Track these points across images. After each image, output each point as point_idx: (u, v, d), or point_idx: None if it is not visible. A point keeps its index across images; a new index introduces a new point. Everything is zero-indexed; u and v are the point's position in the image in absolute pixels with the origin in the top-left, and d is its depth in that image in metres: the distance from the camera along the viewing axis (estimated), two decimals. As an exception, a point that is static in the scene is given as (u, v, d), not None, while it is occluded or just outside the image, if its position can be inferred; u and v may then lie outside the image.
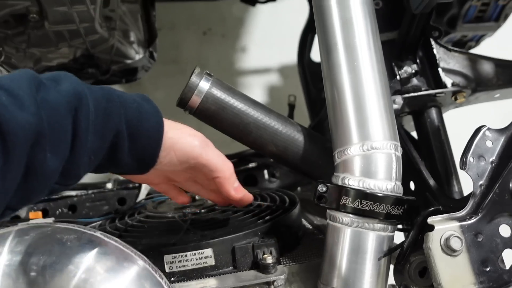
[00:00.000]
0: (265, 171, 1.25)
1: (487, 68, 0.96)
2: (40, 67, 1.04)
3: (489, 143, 0.63)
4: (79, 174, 0.57)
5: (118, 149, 0.60)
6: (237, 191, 0.73)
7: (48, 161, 0.51)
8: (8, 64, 1.05)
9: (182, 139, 0.66)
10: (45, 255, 0.52)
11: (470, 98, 0.97)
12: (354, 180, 0.64)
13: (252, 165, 1.23)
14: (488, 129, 0.64)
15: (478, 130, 0.64)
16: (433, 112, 0.93)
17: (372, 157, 0.65)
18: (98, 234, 0.57)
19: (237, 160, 1.24)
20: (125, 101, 0.60)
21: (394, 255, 0.66)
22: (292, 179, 1.25)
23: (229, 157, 1.26)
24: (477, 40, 1.47)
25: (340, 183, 0.65)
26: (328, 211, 0.67)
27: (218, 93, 0.71)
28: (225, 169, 0.71)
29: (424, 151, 0.93)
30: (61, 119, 0.52)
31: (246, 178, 1.24)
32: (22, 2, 0.88)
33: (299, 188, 1.29)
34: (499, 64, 0.96)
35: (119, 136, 0.59)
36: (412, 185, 0.82)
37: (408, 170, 0.81)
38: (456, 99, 0.91)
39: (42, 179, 0.52)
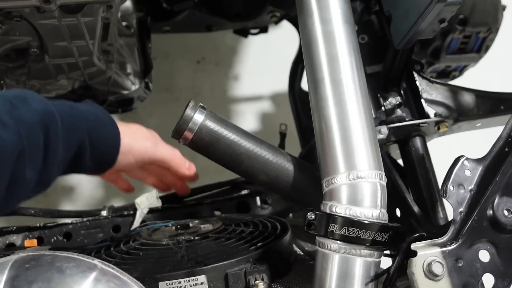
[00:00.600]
0: (257, 198, 1.27)
1: (467, 99, 1.00)
2: (39, 98, 1.07)
3: (467, 172, 0.67)
4: (50, 181, 0.68)
5: (81, 157, 0.71)
6: (190, 169, 0.90)
7: (27, 173, 0.60)
8: (7, 95, 1.09)
9: (137, 143, 0.80)
10: (45, 282, 0.54)
11: (453, 127, 1.01)
12: (341, 208, 0.68)
13: (244, 192, 1.26)
14: (467, 159, 0.68)
15: (457, 160, 0.68)
16: (418, 141, 0.97)
17: (358, 186, 0.68)
18: (96, 261, 0.60)
19: (230, 187, 1.27)
20: (84, 114, 0.71)
21: (381, 280, 0.68)
22: (284, 206, 1.27)
23: (222, 184, 1.29)
24: (461, 70, 1.53)
25: (328, 211, 0.68)
26: (317, 238, 0.70)
27: (212, 125, 0.75)
28: (176, 157, 0.87)
29: (410, 178, 0.96)
30: (36, 136, 0.60)
31: (239, 205, 1.26)
32: (24, 38, 0.92)
33: (291, 215, 1.31)
34: (479, 95, 1.01)
35: (82, 146, 0.70)
36: (398, 212, 0.85)
37: (394, 198, 0.85)
38: (439, 128, 0.96)
39: (21, 190, 0.61)
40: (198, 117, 0.75)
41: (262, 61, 2.27)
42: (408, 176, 0.96)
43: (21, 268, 0.56)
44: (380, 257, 0.69)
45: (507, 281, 0.61)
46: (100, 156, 0.75)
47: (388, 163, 0.85)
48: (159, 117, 2.19)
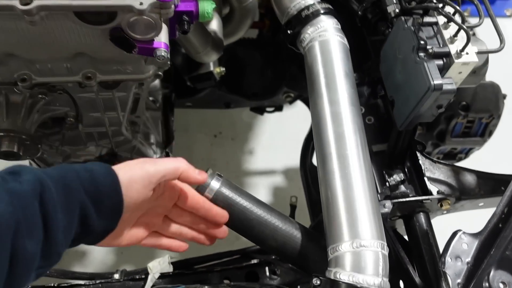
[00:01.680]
0: (267, 268, 1.30)
1: (469, 179, 1.06)
2: (68, 162, 1.16)
3: (464, 246, 0.71)
4: (58, 252, 0.63)
5: (87, 216, 0.66)
6: (201, 173, 0.78)
7: (27, 246, 0.57)
8: (40, 159, 1.18)
9: (135, 169, 0.72)
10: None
11: (456, 205, 1.06)
12: (345, 274, 0.72)
13: (254, 261, 1.28)
14: (463, 233, 0.72)
15: (454, 234, 0.73)
16: (422, 217, 1.01)
17: (361, 254, 0.73)
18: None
19: (240, 256, 1.30)
20: (77, 172, 0.66)
21: None
22: (293, 277, 1.29)
23: (232, 253, 1.32)
24: (466, 153, 1.60)
25: (332, 277, 0.72)
26: (323, 304, 0.73)
27: (227, 191, 0.82)
28: (180, 163, 0.76)
29: (415, 252, 0.99)
30: (30, 205, 0.58)
31: (248, 274, 1.29)
32: (63, 108, 1.02)
33: (299, 287, 1.32)
34: (480, 176, 1.07)
35: (83, 204, 0.65)
36: (401, 284, 0.88)
37: (397, 270, 0.88)
38: (441, 205, 1.00)
39: (24, 265, 0.57)
40: (215, 184, 0.82)
41: (276, 138, 2.37)
42: (413, 251, 0.99)
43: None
44: (381, 325, 0.71)
45: None
46: (106, 210, 0.68)
47: (391, 236, 0.89)
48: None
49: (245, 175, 2.35)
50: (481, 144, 1.53)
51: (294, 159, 1.87)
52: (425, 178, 1.02)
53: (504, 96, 1.45)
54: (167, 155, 1.31)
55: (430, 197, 0.99)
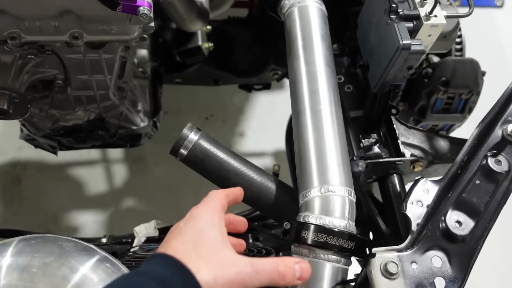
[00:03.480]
0: (250, 235, 1.35)
1: (442, 145, 1.10)
2: (57, 126, 1.20)
3: (426, 191, 0.76)
4: None
5: None
6: (302, 277, 0.65)
7: None
8: (30, 123, 1.22)
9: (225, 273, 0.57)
10: (46, 254, 0.63)
11: (429, 169, 1.11)
12: (313, 217, 0.76)
13: (237, 228, 1.33)
14: (426, 180, 0.77)
15: (417, 181, 0.77)
16: (395, 178, 1.06)
17: (328, 198, 0.77)
18: (92, 245, 0.68)
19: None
20: None
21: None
22: (275, 244, 1.34)
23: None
24: (447, 129, 1.64)
25: (301, 220, 0.77)
26: (292, 246, 0.77)
27: (205, 144, 0.86)
28: (280, 272, 0.63)
29: (388, 213, 1.04)
30: None
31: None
32: (52, 71, 1.06)
33: (281, 254, 1.37)
34: (453, 141, 1.11)
35: None
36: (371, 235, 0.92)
37: (368, 223, 0.93)
38: (414, 167, 1.05)
39: None
40: (193, 136, 0.86)
41: (267, 120, 2.41)
42: (386, 211, 1.04)
43: (27, 243, 0.65)
44: (347, 264, 0.76)
45: (457, 285, 0.67)
46: None
47: (363, 191, 0.94)
48: (165, 166, 2.31)
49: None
50: (461, 121, 1.57)
51: (284, 142, 1.91)
52: (399, 142, 1.06)
53: (483, 73, 1.50)
54: (155, 124, 1.35)
55: (402, 158, 1.03)
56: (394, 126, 1.08)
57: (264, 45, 1.65)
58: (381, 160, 1.02)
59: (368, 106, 1.06)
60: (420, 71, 1.49)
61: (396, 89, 1.53)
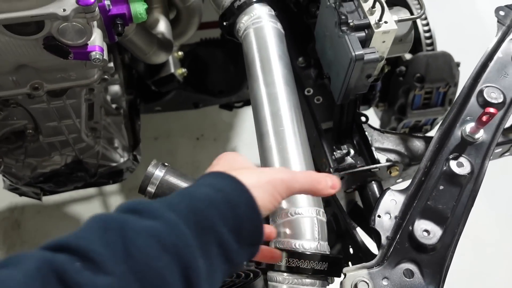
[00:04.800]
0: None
1: (417, 145, 1.10)
2: (36, 174, 1.21)
3: (393, 202, 0.75)
4: None
5: (228, 253, 0.54)
6: (334, 186, 0.66)
7: None
8: (9, 174, 1.23)
9: (266, 192, 0.60)
10: None
11: (408, 171, 1.09)
12: (284, 242, 0.75)
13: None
14: (392, 190, 0.76)
15: (384, 192, 0.76)
16: (374, 185, 1.05)
17: (297, 221, 0.76)
18: None
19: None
20: (210, 197, 0.54)
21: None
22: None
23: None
24: (431, 124, 1.63)
25: (273, 246, 0.76)
26: (267, 273, 0.77)
27: (171, 178, 0.86)
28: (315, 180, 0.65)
29: (368, 220, 1.03)
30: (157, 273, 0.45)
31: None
32: (21, 121, 1.07)
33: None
34: (428, 140, 1.10)
35: (223, 243, 0.53)
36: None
37: (347, 236, 0.92)
38: (390, 172, 1.04)
39: None
40: (159, 173, 0.86)
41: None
42: (367, 218, 1.03)
43: None
44: (324, 286, 0.75)
45: (430, 295, 0.66)
46: (246, 233, 0.55)
47: (338, 206, 0.93)
48: (162, 193, 2.32)
49: (230, 173, 2.39)
50: (442, 114, 1.56)
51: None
52: (373, 148, 1.06)
53: (458, 64, 1.49)
54: (135, 158, 1.35)
55: (376, 165, 1.02)
56: (366, 133, 1.07)
57: (238, 63, 1.66)
58: (355, 170, 1.01)
59: (337, 117, 1.06)
60: (394, 70, 1.48)
61: (373, 91, 1.52)
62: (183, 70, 1.53)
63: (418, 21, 1.52)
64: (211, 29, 1.73)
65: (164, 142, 2.45)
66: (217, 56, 1.68)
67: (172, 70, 1.49)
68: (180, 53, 1.55)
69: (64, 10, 0.77)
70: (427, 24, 1.50)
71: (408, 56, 1.48)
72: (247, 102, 1.82)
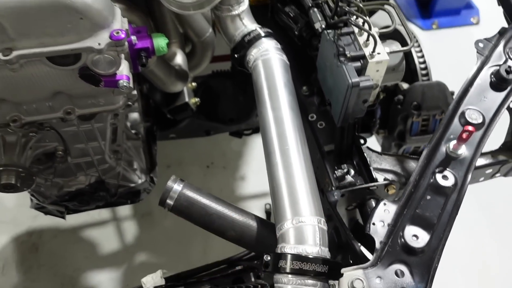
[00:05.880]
0: (251, 273, 1.41)
1: (413, 166, 1.19)
2: (62, 193, 1.31)
3: (386, 212, 0.84)
4: None
5: None
6: None
7: None
8: (37, 192, 1.34)
9: None
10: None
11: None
12: (288, 247, 0.84)
13: (238, 268, 1.40)
14: (385, 201, 0.85)
15: (378, 203, 0.86)
16: (373, 203, 1.13)
17: (301, 228, 0.85)
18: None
19: (227, 265, 1.42)
20: None
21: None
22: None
23: (219, 263, 1.45)
24: (430, 150, 1.72)
25: (279, 251, 0.85)
26: (273, 276, 0.85)
27: (188, 192, 0.96)
28: None
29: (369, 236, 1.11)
30: None
31: (235, 281, 1.40)
32: (52, 143, 1.19)
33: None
34: (423, 161, 1.19)
35: None
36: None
37: (346, 248, 1.01)
38: (388, 190, 1.13)
39: None
40: (177, 187, 0.96)
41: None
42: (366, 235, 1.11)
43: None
44: (324, 287, 0.83)
45: (419, 292, 0.74)
46: None
47: (339, 219, 1.02)
48: (173, 219, 2.38)
49: (238, 200, 2.47)
50: (440, 140, 1.65)
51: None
52: (371, 168, 1.15)
53: (452, 93, 1.59)
54: (152, 180, 1.45)
55: (375, 184, 1.12)
56: (365, 154, 1.17)
57: (247, 93, 1.78)
58: (355, 187, 1.11)
59: (338, 139, 1.16)
60: (393, 98, 1.59)
61: (373, 118, 1.63)
62: (196, 99, 1.65)
63: (414, 54, 1.65)
64: (222, 62, 1.87)
65: (176, 170, 2.55)
66: (227, 87, 1.81)
67: (187, 100, 1.62)
68: (194, 84, 1.68)
69: (99, 44, 0.89)
70: (422, 56, 1.62)
71: (405, 85, 1.59)
72: (255, 130, 1.93)
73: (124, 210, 2.43)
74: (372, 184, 1.12)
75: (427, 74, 1.59)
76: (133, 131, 1.47)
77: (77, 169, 1.28)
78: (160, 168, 2.48)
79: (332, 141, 1.23)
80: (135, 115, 1.46)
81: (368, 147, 1.19)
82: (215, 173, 2.56)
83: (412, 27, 3.39)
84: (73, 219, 2.33)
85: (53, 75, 0.95)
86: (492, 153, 1.17)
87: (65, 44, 0.88)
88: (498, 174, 1.22)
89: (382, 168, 1.18)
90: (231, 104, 1.81)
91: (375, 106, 1.12)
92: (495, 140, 1.23)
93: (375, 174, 1.14)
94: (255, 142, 2.60)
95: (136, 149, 1.40)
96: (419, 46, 1.64)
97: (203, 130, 1.84)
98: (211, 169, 2.56)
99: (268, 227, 0.97)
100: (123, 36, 0.90)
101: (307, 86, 1.30)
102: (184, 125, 1.76)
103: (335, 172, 1.13)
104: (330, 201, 1.06)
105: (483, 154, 1.17)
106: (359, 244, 0.94)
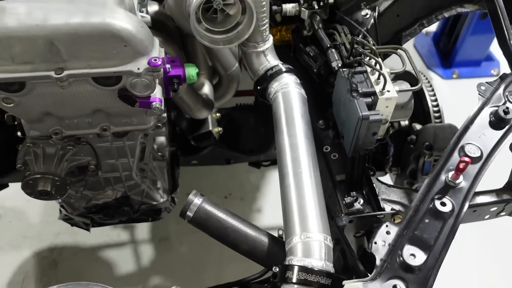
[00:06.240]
0: (264, 294, 1.46)
1: (420, 199, 1.25)
2: (90, 205, 1.42)
3: (388, 233, 0.91)
4: None
5: None
6: None
7: None
8: (67, 203, 1.44)
9: None
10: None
11: (411, 222, 1.24)
12: (296, 260, 0.91)
13: (249, 289, 1.46)
14: (387, 224, 0.92)
15: (381, 224, 0.93)
16: (380, 231, 1.20)
17: (308, 243, 0.93)
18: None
19: (238, 286, 1.48)
20: None
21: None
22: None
23: (231, 284, 1.51)
24: (441, 190, 1.77)
25: (287, 263, 0.92)
26: (281, 286, 0.92)
27: (207, 206, 1.05)
28: None
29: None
30: None
31: (245, 302, 1.45)
32: (86, 158, 1.30)
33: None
34: (429, 195, 1.26)
35: None
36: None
37: (352, 271, 1.07)
38: (394, 220, 1.19)
39: None
40: (197, 201, 1.05)
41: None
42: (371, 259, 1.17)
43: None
44: (327, 300, 0.89)
45: (414, 307, 0.80)
46: None
47: (346, 242, 1.08)
48: (189, 245, 2.48)
49: (253, 230, 2.53)
50: (451, 180, 1.71)
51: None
52: (379, 198, 1.22)
53: (463, 136, 1.66)
54: (173, 200, 1.55)
55: (382, 212, 1.18)
56: (374, 185, 1.24)
57: (268, 126, 1.88)
58: (363, 214, 1.17)
59: (349, 169, 1.24)
60: (406, 138, 1.67)
61: (386, 156, 1.70)
62: (219, 128, 1.77)
63: (428, 97, 1.74)
64: (245, 97, 2.00)
65: (195, 199, 2.64)
66: (249, 119, 1.92)
67: (210, 128, 1.73)
68: (218, 114, 1.80)
69: (138, 68, 1.01)
70: (436, 100, 1.71)
71: (418, 126, 1.67)
72: (274, 162, 2.02)
73: (142, 233, 2.52)
74: (380, 212, 1.18)
75: (439, 117, 1.67)
76: (159, 154, 1.58)
77: (106, 184, 1.38)
78: (180, 195, 2.59)
79: (344, 171, 1.31)
80: (162, 139, 1.57)
81: (377, 179, 1.26)
82: (232, 204, 2.64)
83: (433, 75, 3.50)
84: (93, 239, 2.43)
85: (96, 94, 1.07)
86: (497, 192, 1.23)
87: (109, 67, 1.00)
88: (503, 213, 1.27)
89: (390, 199, 1.24)
90: (252, 135, 1.91)
91: (385, 140, 1.20)
92: (500, 179, 1.29)
93: (383, 204, 1.21)
94: (272, 176, 2.69)
95: (160, 169, 1.51)
96: (432, 90, 1.73)
97: (224, 158, 1.94)
98: (229, 200, 2.65)
99: (279, 243, 1.04)
100: (159, 63, 1.02)
101: (323, 120, 1.39)
102: (206, 152, 1.87)
103: (345, 199, 1.20)
104: (338, 225, 1.13)
105: (487, 192, 1.23)
106: (364, 268, 1.01)
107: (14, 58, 0.96)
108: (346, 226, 1.15)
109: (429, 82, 1.75)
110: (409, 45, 3.33)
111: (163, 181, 1.53)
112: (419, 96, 1.79)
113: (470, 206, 1.20)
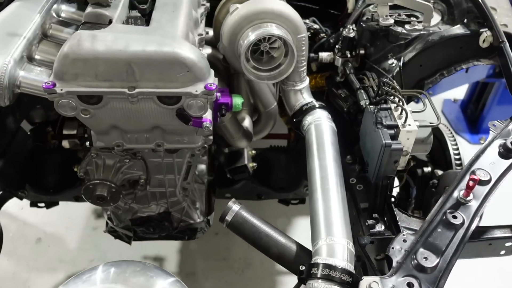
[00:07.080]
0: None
1: (438, 229, 1.35)
2: (135, 217, 1.57)
3: (405, 241, 1.03)
4: None
5: None
6: None
7: None
8: (115, 215, 1.60)
9: None
10: (134, 266, 0.94)
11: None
12: (321, 259, 1.03)
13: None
14: (405, 232, 1.04)
15: (400, 232, 1.05)
16: (399, 255, 1.30)
17: (332, 245, 1.05)
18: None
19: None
20: None
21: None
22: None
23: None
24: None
25: (312, 262, 1.04)
26: (306, 283, 1.03)
27: (244, 213, 1.19)
28: None
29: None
30: None
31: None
32: (138, 172, 1.48)
33: None
34: (447, 227, 1.36)
35: None
36: None
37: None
38: (413, 245, 1.29)
39: None
40: (235, 208, 1.19)
41: (307, 236, 2.67)
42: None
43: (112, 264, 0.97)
44: (347, 295, 0.99)
45: (426, 301, 0.90)
46: None
47: (367, 256, 1.19)
48: (214, 281, 2.56)
49: (277, 273, 2.60)
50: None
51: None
52: (399, 224, 1.33)
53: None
54: (208, 222, 1.69)
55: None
56: (395, 213, 1.36)
57: (298, 166, 2.04)
58: (383, 236, 1.28)
59: (372, 197, 1.37)
60: (428, 182, 1.79)
61: (409, 198, 1.81)
62: (254, 164, 1.93)
63: (450, 147, 1.87)
64: (279, 139, 2.17)
65: (222, 238, 2.76)
66: (281, 159, 2.08)
67: (246, 162, 1.89)
68: (253, 151, 1.97)
69: (196, 91, 1.21)
70: (458, 149, 1.84)
71: (440, 172, 1.79)
72: (301, 201, 2.15)
73: (171, 266, 2.63)
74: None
75: (460, 164, 1.79)
76: (199, 180, 1.75)
77: (152, 198, 1.55)
78: (208, 234, 2.71)
79: (367, 200, 1.44)
80: (202, 167, 1.75)
81: (399, 209, 1.38)
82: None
83: (461, 140, 3.61)
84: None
85: (157, 111, 1.27)
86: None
87: (173, 88, 1.20)
88: (518, 250, 1.35)
89: (409, 227, 1.35)
90: (283, 174, 2.06)
91: (406, 171, 1.34)
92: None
93: (403, 230, 1.32)
94: (299, 223, 2.79)
95: (200, 192, 1.66)
96: (454, 140, 1.86)
97: (255, 193, 2.08)
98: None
99: (305, 251, 1.16)
100: (214, 87, 1.22)
101: (350, 155, 1.54)
102: (240, 186, 2.02)
103: (367, 221, 1.32)
104: (361, 243, 1.24)
105: (502, 227, 1.33)
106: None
107: (97, 76, 1.17)
108: (367, 245, 1.26)
109: (451, 133, 1.89)
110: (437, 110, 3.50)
111: (201, 203, 1.68)
112: (442, 147, 1.92)
113: (485, 239, 1.30)
